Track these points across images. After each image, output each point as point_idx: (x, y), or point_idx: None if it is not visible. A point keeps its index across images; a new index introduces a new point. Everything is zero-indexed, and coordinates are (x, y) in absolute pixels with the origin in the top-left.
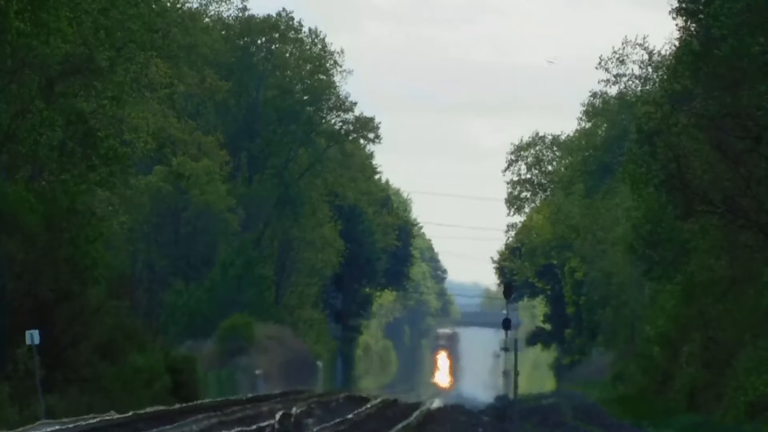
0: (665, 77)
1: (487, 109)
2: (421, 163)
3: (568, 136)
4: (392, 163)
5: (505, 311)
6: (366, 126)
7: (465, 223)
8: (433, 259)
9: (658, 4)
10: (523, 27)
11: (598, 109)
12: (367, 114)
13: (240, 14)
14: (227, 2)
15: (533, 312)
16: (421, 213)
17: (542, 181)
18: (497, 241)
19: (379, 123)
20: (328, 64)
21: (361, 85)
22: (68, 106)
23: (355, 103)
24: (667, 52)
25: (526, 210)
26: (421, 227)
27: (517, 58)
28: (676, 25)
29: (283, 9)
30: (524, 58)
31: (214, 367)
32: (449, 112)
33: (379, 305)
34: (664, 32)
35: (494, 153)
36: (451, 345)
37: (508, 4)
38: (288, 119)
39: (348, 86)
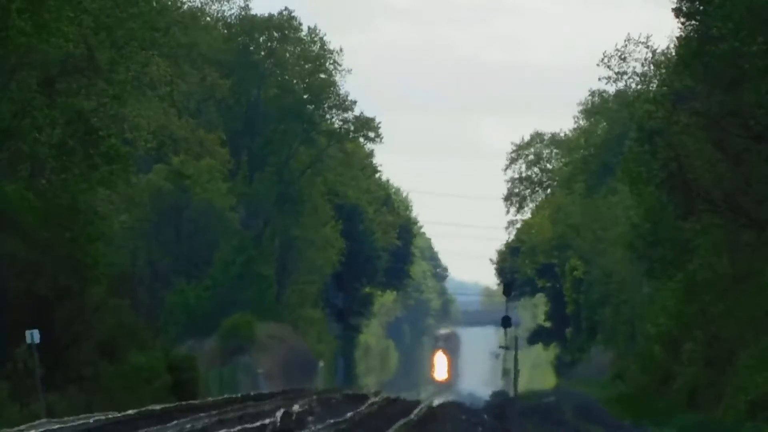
0: (666, 76)
1: (492, 108)
2: (423, 162)
3: (565, 134)
4: (394, 162)
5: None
6: (366, 125)
7: (466, 222)
8: (433, 258)
9: (673, 2)
10: (538, 26)
11: (596, 107)
12: (375, 112)
13: (242, 13)
14: (229, 1)
15: (534, 311)
16: (422, 212)
17: (542, 179)
18: (498, 240)
19: (380, 122)
20: (327, 64)
21: (371, 83)
22: (69, 105)
23: (355, 102)
24: (669, 51)
25: (526, 208)
26: (421, 226)
27: (529, 57)
28: (677, 23)
29: (285, 8)
30: (536, 58)
31: (215, 366)
32: (454, 112)
33: (380, 305)
34: (675, 30)
35: (496, 152)
36: (450, 345)
37: (523, 4)
38: (288, 118)
39: (354, 85)
